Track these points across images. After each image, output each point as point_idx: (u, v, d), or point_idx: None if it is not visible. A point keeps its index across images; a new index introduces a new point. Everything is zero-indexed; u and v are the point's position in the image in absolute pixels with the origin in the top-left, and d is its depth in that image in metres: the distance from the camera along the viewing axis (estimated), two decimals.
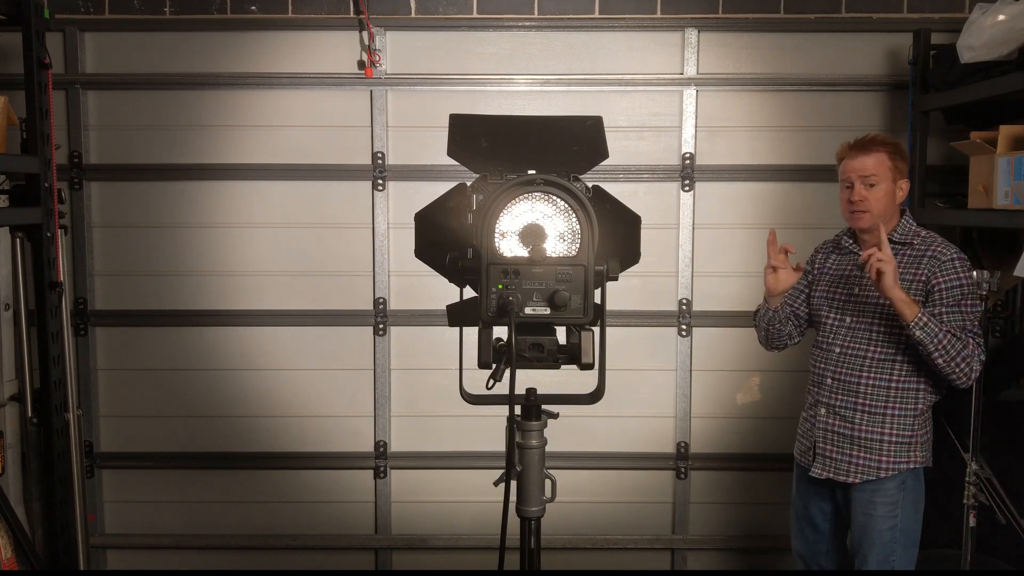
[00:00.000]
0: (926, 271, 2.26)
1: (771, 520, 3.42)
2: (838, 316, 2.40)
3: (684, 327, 3.33)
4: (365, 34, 3.22)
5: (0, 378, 2.95)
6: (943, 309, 2.23)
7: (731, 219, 3.31)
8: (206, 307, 3.33)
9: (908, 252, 2.30)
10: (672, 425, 3.39)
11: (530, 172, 1.60)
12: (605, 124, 1.60)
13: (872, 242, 2.27)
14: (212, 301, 3.33)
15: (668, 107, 3.29)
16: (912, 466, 2.32)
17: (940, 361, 2.19)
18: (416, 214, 1.71)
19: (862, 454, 2.32)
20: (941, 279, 2.24)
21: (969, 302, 2.25)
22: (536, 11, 3.23)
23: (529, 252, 1.53)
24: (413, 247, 1.72)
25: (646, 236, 1.69)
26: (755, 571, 3.48)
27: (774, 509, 3.42)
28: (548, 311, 1.55)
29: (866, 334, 2.33)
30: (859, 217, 2.29)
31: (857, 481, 2.33)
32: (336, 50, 3.27)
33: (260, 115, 3.29)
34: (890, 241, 2.23)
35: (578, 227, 1.55)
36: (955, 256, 2.26)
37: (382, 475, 3.37)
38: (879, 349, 2.32)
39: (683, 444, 3.38)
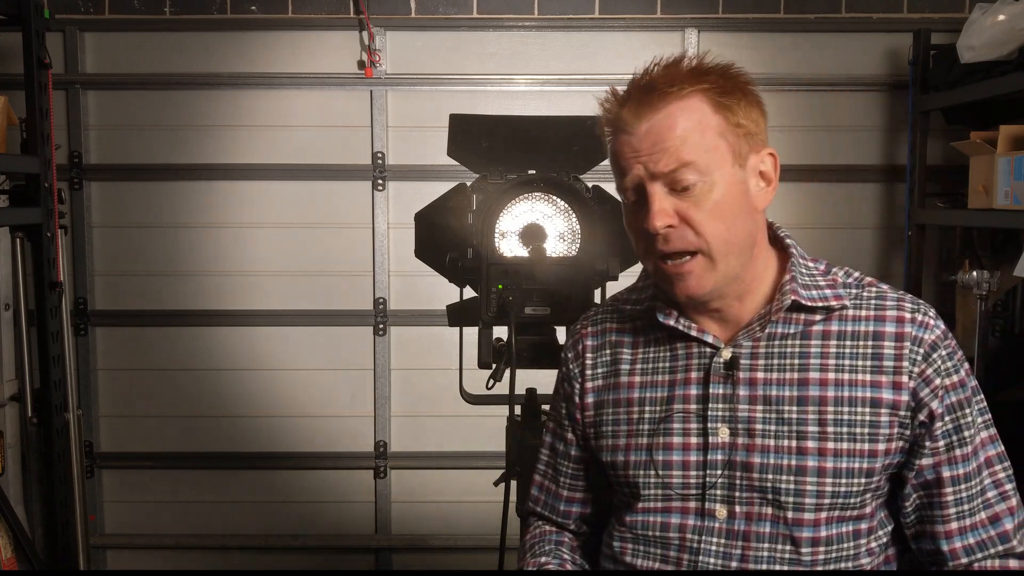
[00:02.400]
0: (892, 373, 1.12)
1: None
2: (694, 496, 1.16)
3: None
4: (365, 34, 3.22)
5: (0, 378, 2.95)
6: (962, 452, 1.13)
7: None
8: (206, 307, 3.32)
9: (838, 330, 1.15)
10: None
11: (530, 172, 1.60)
12: None
13: (739, 317, 1.17)
14: (212, 301, 3.33)
15: None
16: None
17: None
18: (416, 214, 1.71)
19: None
20: (942, 383, 1.12)
21: (981, 407, 1.18)
22: (536, 11, 3.23)
23: (529, 252, 1.54)
24: (413, 247, 1.72)
25: None
26: (754, 571, 3.47)
27: None
28: (548, 311, 1.55)
29: (768, 529, 1.13)
30: (683, 272, 1.11)
31: None
32: (336, 50, 3.27)
33: (260, 115, 3.28)
34: (784, 318, 1.15)
35: (578, 227, 1.55)
36: (933, 320, 1.15)
37: (382, 475, 3.37)
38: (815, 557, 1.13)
39: None
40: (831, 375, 1.13)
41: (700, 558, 1.14)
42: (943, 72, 2.90)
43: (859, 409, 1.11)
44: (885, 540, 1.20)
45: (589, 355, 1.26)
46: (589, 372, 1.25)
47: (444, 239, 1.66)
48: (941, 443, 1.13)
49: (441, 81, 3.26)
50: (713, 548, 1.14)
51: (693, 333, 1.17)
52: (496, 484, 1.63)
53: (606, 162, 1.69)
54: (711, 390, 1.14)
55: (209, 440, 3.37)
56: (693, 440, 1.14)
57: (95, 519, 3.37)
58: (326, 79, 3.25)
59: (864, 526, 1.15)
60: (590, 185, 1.67)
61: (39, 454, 2.91)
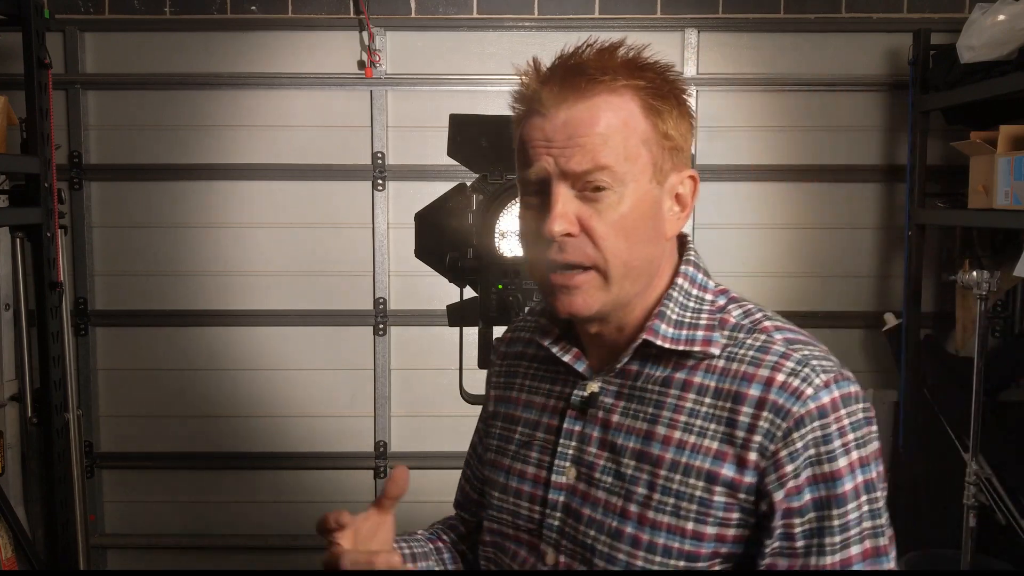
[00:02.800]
0: (742, 446, 0.91)
1: None
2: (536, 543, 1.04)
3: None
4: (365, 34, 3.22)
5: (0, 378, 2.95)
6: (818, 562, 0.90)
7: (731, 219, 3.31)
8: (206, 307, 3.32)
9: (700, 382, 0.96)
10: None
11: None
12: None
13: (616, 349, 1.01)
14: (212, 301, 3.33)
15: None
16: None
17: None
18: (416, 214, 1.72)
19: None
20: (796, 471, 0.90)
21: (870, 509, 0.91)
22: (536, 11, 3.23)
23: None
24: (413, 247, 1.72)
25: None
26: (754, 571, 3.47)
27: None
28: None
29: None
30: (570, 286, 0.96)
31: None
32: (336, 50, 3.27)
33: (260, 115, 3.28)
34: (648, 356, 0.99)
35: None
36: (817, 389, 0.91)
37: (382, 475, 3.36)
38: None
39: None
40: (677, 434, 0.94)
41: None
42: (943, 72, 2.90)
43: (692, 480, 0.92)
44: None
45: (499, 362, 1.18)
46: (494, 380, 1.17)
47: (444, 239, 1.66)
48: (777, 544, 0.91)
49: (441, 81, 3.26)
50: None
51: (566, 359, 1.03)
52: None
53: None
54: (565, 425, 1.02)
55: (209, 440, 3.37)
56: (543, 474, 1.03)
57: (95, 519, 3.37)
58: (326, 79, 3.25)
59: None
60: None
61: (39, 454, 2.90)
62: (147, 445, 3.39)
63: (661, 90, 0.95)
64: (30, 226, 2.77)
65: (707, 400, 0.94)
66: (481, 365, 1.60)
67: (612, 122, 0.92)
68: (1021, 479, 2.81)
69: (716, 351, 0.96)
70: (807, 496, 0.89)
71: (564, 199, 0.93)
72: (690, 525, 0.92)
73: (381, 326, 3.32)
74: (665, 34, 3.25)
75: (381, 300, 3.31)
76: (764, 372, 0.92)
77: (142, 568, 3.45)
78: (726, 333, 0.98)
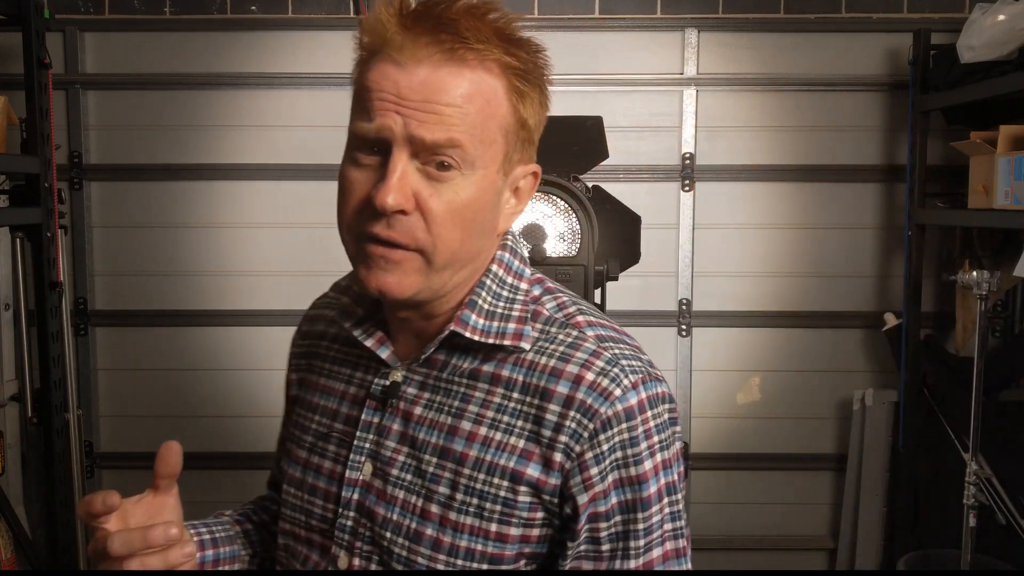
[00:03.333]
0: (548, 446, 0.86)
1: (771, 520, 3.42)
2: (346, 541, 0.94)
3: (684, 327, 3.33)
4: None
5: (0, 378, 2.95)
6: (623, 565, 0.88)
7: (731, 219, 3.31)
8: (206, 307, 3.32)
9: (508, 376, 0.89)
10: None
11: None
12: (605, 124, 1.60)
13: (425, 337, 0.93)
14: (212, 301, 3.33)
15: (668, 107, 3.28)
16: None
17: None
18: None
19: None
20: (602, 473, 0.86)
21: (672, 511, 0.91)
22: (536, 11, 3.23)
23: (529, 252, 1.53)
24: None
25: (646, 236, 1.69)
26: (755, 571, 3.48)
27: (774, 509, 3.42)
28: None
29: None
30: (382, 264, 0.86)
31: None
32: (336, 50, 3.26)
33: (260, 115, 3.28)
34: (457, 346, 0.91)
35: (578, 227, 1.55)
36: (625, 390, 0.89)
37: None
38: None
39: (683, 444, 3.37)
40: (482, 431, 0.87)
41: None
42: (943, 72, 2.90)
43: (496, 480, 0.86)
44: None
45: (300, 341, 1.09)
46: (294, 361, 1.09)
47: None
48: (583, 547, 0.87)
49: None
50: None
51: (368, 343, 0.93)
52: None
53: (606, 162, 1.70)
54: (363, 416, 0.93)
55: (209, 440, 3.37)
56: (339, 470, 0.93)
57: None
58: (326, 79, 3.25)
59: None
60: (590, 185, 1.67)
61: (39, 454, 2.91)
62: (147, 445, 3.38)
63: (531, 74, 0.88)
64: (30, 226, 2.77)
65: (515, 395, 0.88)
66: None
67: (476, 97, 0.83)
68: (1021, 479, 2.81)
69: (527, 345, 0.89)
70: (613, 500, 0.86)
71: (404, 169, 0.82)
72: (494, 527, 0.86)
73: None
74: (665, 34, 3.26)
75: None
76: (573, 369, 0.87)
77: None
78: (538, 326, 0.91)
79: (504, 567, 0.87)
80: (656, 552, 0.88)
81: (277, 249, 3.32)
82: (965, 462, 2.57)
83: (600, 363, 0.88)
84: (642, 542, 0.87)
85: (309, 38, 3.26)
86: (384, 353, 0.93)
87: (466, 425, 0.88)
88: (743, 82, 3.27)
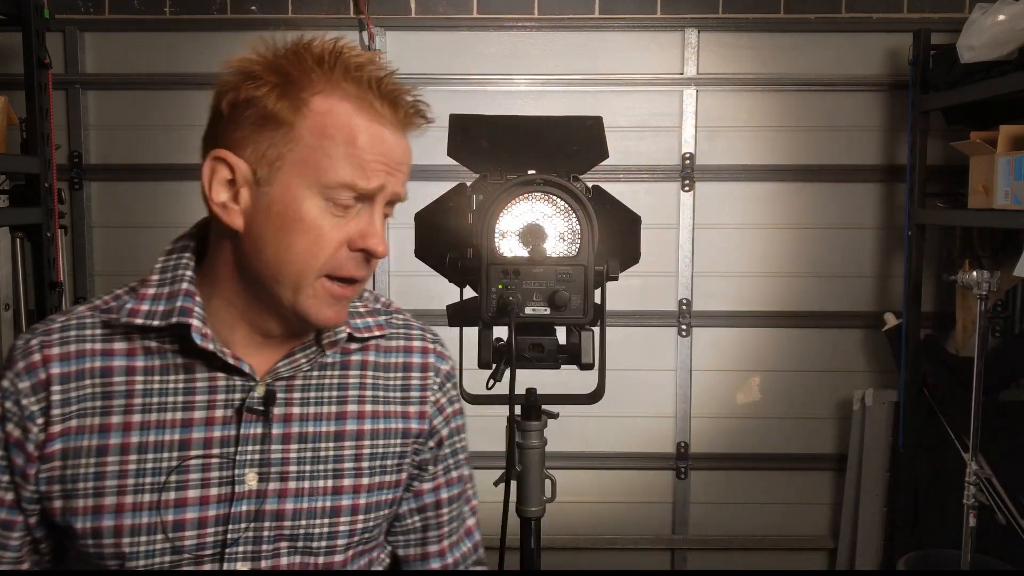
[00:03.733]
0: (418, 404, 1.09)
1: (771, 520, 3.42)
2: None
3: (684, 327, 3.33)
4: (365, 34, 3.22)
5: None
6: (457, 473, 1.16)
7: (731, 219, 3.31)
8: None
9: (374, 360, 1.09)
10: (672, 425, 3.39)
11: (530, 172, 1.60)
12: (605, 124, 1.60)
13: (284, 346, 1.02)
14: None
15: (668, 107, 3.28)
16: None
17: None
18: (416, 214, 1.71)
19: None
20: (452, 411, 1.15)
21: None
22: (536, 11, 3.23)
23: (529, 252, 1.53)
24: (413, 247, 1.71)
25: (646, 236, 1.69)
26: (755, 571, 3.48)
27: (774, 509, 3.42)
28: (548, 311, 1.55)
29: None
30: (346, 298, 0.99)
31: None
32: None
33: None
34: (314, 346, 1.03)
35: (578, 227, 1.54)
36: (446, 352, 1.18)
37: None
38: None
39: (683, 444, 3.38)
40: (368, 407, 1.04)
41: None
42: (943, 72, 2.90)
43: (392, 441, 1.05)
44: (387, 561, 1.15)
45: (58, 387, 0.94)
46: (58, 411, 0.94)
47: (444, 239, 1.66)
48: (440, 467, 1.13)
49: (441, 81, 3.26)
50: None
51: (231, 362, 0.96)
52: (496, 484, 1.62)
53: (606, 162, 1.69)
54: (243, 431, 0.96)
55: None
56: (214, 492, 0.95)
57: None
58: None
59: (376, 553, 1.10)
60: (590, 185, 1.67)
61: None
62: None
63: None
64: (30, 226, 2.77)
65: (382, 374, 1.07)
66: (481, 365, 1.60)
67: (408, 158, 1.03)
68: (1021, 479, 2.81)
69: (381, 333, 1.09)
70: (454, 423, 1.14)
71: (382, 220, 0.99)
72: (393, 477, 1.06)
73: None
74: (665, 34, 3.26)
75: None
76: (418, 344, 1.12)
77: None
78: (380, 318, 1.11)
79: (394, 508, 1.09)
80: (465, 454, 1.18)
81: None
82: (965, 462, 2.56)
83: (429, 335, 1.16)
84: (463, 455, 1.17)
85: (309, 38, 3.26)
86: (246, 367, 0.98)
87: (353, 407, 1.04)
88: (743, 82, 3.27)
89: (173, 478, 0.94)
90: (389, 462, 1.05)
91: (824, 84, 3.26)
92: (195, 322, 0.95)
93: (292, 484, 0.98)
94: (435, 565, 1.14)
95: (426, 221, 1.71)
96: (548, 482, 1.67)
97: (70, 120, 3.24)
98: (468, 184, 1.66)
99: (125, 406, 0.95)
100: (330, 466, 1.01)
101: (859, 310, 3.34)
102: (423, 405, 1.09)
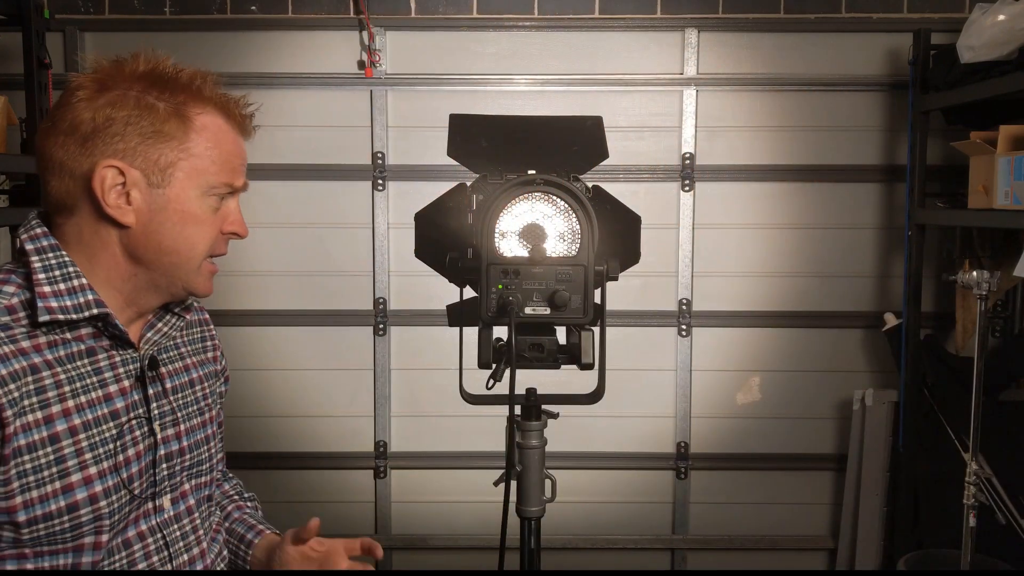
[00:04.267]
0: (212, 351, 1.38)
1: (771, 520, 3.42)
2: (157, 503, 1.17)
3: (684, 327, 3.33)
4: (365, 34, 3.22)
5: None
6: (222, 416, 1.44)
7: (731, 219, 3.31)
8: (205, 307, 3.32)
9: (188, 319, 1.30)
10: (672, 425, 3.39)
11: (530, 172, 1.60)
12: (605, 124, 1.60)
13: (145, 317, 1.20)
14: (211, 301, 3.28)
15: (668, 107, 3.28)
16: None
17: None
18: (416, 214, 1.71)
19: None
20: (222, 355, 1.44)
21: None
22: (536, 11, 3.23)
23: (529, 252, 1.53)
24: (413, 247, 1.71)
25: (646, 236, 1.69)
26: (755, 571, 3.48)
27: (774, 509, 3.42)
28: (548, 311, 1.54)
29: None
30: (212, 275, 1.24)
31: None
32: (336, 50, 3.27)
33: (260, 115, 3.24)
34: (169, 311, 1.24)
35: (578, 227, 1.54)
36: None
37: (382, 475, 3.37)
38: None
39: (683, 444, 3.38)
40: (196, 358, 1.30)
41: (172, 553, 1.18)
42: (943, 72, 2.90)
43: (213, 380, 1.34)
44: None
45: (6, 388, 1.00)
46: (10, 412, 1.00)
47: (444, 239, 1.66)
48: (221, 395, 1.43)
49: (441, 81, 3.26)
50: (176, 535, 1.19)
51: (131, 338, 1.14)
52: (496, 484, 1.62)
53: (606, 162, 1.70)
54: (150, 391, 1.16)
55: None
56: (142, 446, 1.13)
57: None
58: (326, 79, 3.25)
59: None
60: (590, 185, 1.67)
61: None
62: None
63: None
64: None
65: (195, 331, 1.34)
66: (481, 365, 1.59)
67: None
68: (1021, 479, 2.81)
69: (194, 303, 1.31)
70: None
71: (236, 206, 1.22)
72: (218, 406, 1.37)
73: (381, 326, 3.32)
74: (665, 34, 3.26)
75: (381, 300, 3.31)
76: (195, 305, 1.32)
77: None
78: None
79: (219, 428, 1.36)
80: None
81: (277, 249, 3.32)
82: (965, 462, 2.56)
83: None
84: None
85: (309, 38, 3.26)
86: (132, 337, 1.15)
87: (189, 360, 1.28)
88: (743, 82, 3.27)
89: (118, 443, 1.10)
90: (212, 399, 1.33)
91: (824, 84, 3.26)
92: (110, 311, 1.10)
93: (182, 426, 1.21)
94: (221, 466, 1.40)
95: (426, 221, 1.71)
96: (548, 482, 1.67)
97: None
98: (468, 184, 1.66)
99: (58, 395, 1.05)
100: (195, 407, 1.26)
101: (859, 310, 3.35)
102: (215, 349, 1.38)
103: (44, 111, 2.73)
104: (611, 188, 1.69)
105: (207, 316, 1.39)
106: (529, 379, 1.66)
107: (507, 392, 1.51)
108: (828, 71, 3.27)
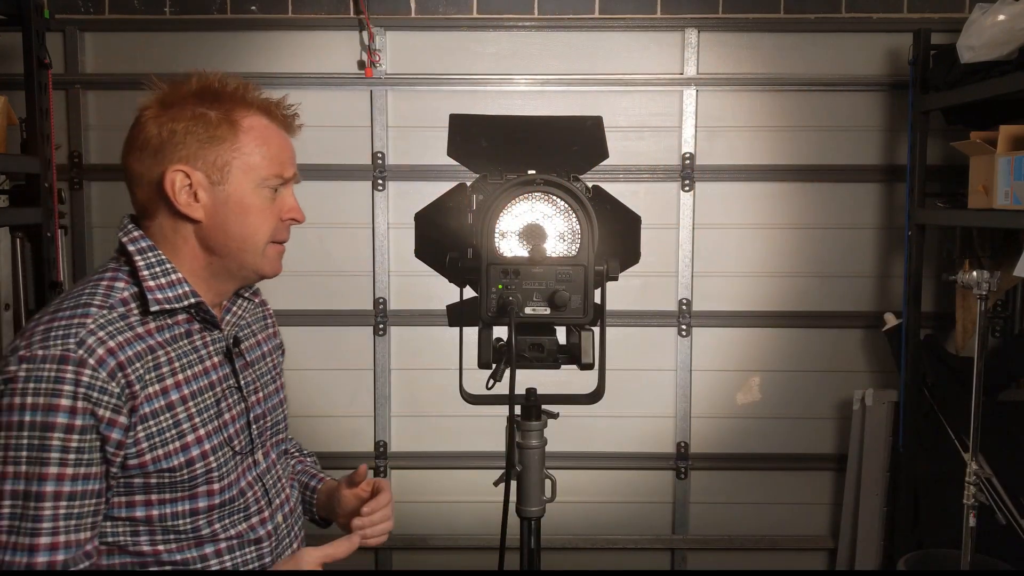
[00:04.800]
0: (272, 328, 1.57)
1: (771, 520, 3.42)
2: (250, 459, 1.38)
3: (684, 327, 3.33)
4: (365, 34, 3.22)
5: None
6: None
7: (731, 219, 3.31)
8: None
9: (251, 305, 1.47)
10: (672, 425, 3.39)
11: (530, 172, 1.60)
12: (605, 124, 1.60)
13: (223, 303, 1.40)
14: None
15: (668, 107, 3.29)
16: None
17: None
18: (416, 214, 1.71)
19: None
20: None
21: None
22: (536, 11, 3.23)
23: (529, 252, 1.53)
24: (413, 247, 1.71)
25: (646, 236, 1.69)
26: (755, 571, 3.48)
27: (774, 509, 3.42)
28: (548, 311, 1.54)
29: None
30: (280, 256, 1.38)
31: None
32: (336, 50, 3.27)
33: None
34: (241, 297, 1.44)
35: (578, 227, 1.54)
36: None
37: (382, 475, 3.36)
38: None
39: (683, 444, 3.38)
40: (263, 334, 1.50)
41: (271, 497, 1.39)
42: (943, 72, 2.90)
43: (277, 353, 1.54)
44: None
45: (129, 369, 1.19)
46: (135, 387, 1.20)
47: (444, 239, 1.66)
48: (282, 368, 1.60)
49: (441, 81, 3.26)
50: (271, 483, 1.40)
51: (217, 322, 1.36)
52: (496, 484, 1.62)
53: (606, 162, 1.70)
54: (237, 365, 1.37)
55: None
56: (237, 410, 1.35)
57: None
58: (326, 79, 3.25)
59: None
60: (590, 185, 1.67)
61: None
62: None
63: None
64: (30, 226, 2.77)
65: (255, 312, 1.50)
66: (481, 365, 1.59)
67: None
68: (1021, 479, 2.81)
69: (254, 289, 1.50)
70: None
71: (292, 194, 1.37)
72: (284, 375, 1.55)
73: (381, 326, 3.32)
74: (665, 34, 3.26)
75: (381, 300, 3.31)
76: (258, 291, 1.52)
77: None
78: None
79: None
80: None
81: None
82: (965, 462, 2.56)
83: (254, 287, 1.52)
84: None
85: (309, 38, 3.26)
86: (219, 324, 1.36)
87: (259, 336, 1.49)
88: (743, 82, 3.27)
89: (216, 409, 1.31)
90: (279, 368, 1.53)
91: (824, 84, 3.26)
92: (203, 299, 1.31)
93: (261, 393, 1.42)
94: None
95: (426, 221, 1.71)
96: (548, 482, 1.67)
97: (70, 120, 3.24)
98: (468, 184, 1.66)
99: (171, 370, 1.26)
100: (269, 376, 1.46)
101: (859, 310, 3.35)
102: (275, 326, 1.57)
103: (44, 111, 2.73)
104: (611, 188, 1.69)
105: (265, 300, 1.58)
106: (529, 379, 1.67)
107: (507, 392, 1.51)
108: (828, 71, 3.27)
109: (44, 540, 1.15)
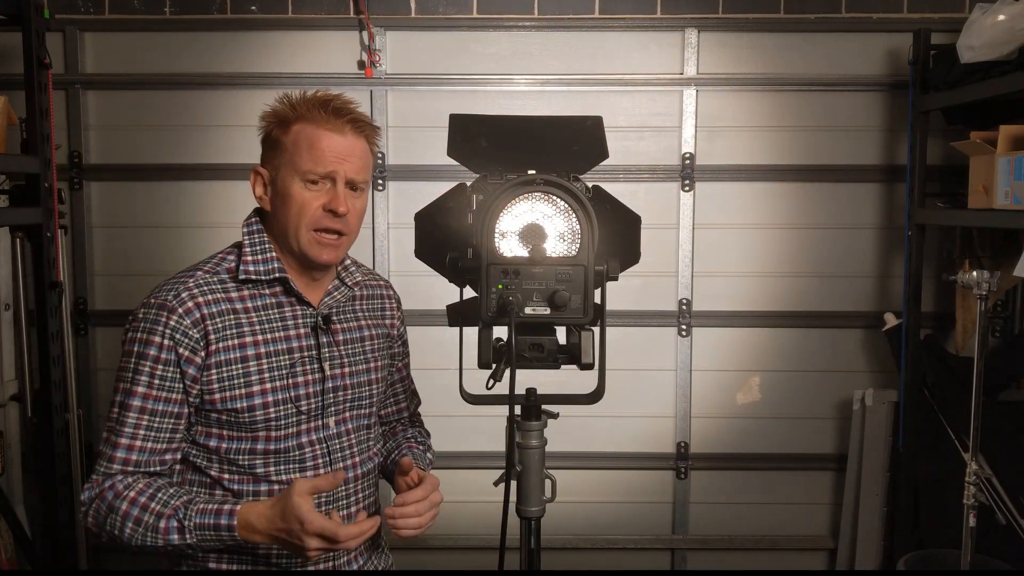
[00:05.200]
0: (390, 320, 1.79)
1: (771, 520, 3.42)
2: (330, 420, 1.62)
3: (684, 327, 3.33)
4: (365, 34, 3.22)
5: (0, 378, 2.95)
6: (406, 371, 1.92)
7: (731, 219, 3.31)
8: None
9: (367, 295, 1.76)
10: (672, 425, 3.39)
11: (530, 172, 1.60)
12: (605, 124, 1.60)
13: (323, 284, 1.65)
14: None
15: (668, 107, 3.29)
16: None
17: None
18: (416, 214, 1.71)
19: None
20: (403, 326, 1.86)
21: None
22: (536, 11, 3.23)
23: (529, 252, 1.53)
24: (413, 247, 1.71)
25: (646, 236, 1.69)
26: (755, 571, 3.48)
27: (774, 509, 3.42)
28: (548, 311, 1.54)
29: (364, 435, 1.69)
30: (332, 244, 1.57)
31: None
32: (336, 50, 3.27)
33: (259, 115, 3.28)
34: (343, 284, 1.69)
35: (578, 227, 1.54)
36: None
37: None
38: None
39: (683, 444, 3.38)
40: (368, 322, 1.70)
41: (333, 460, 1.59)
42: (943, 72, 2.90)
43: (382, 342, 1.72)
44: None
45: (209, 322, 1.51)
46: (212, 336, 1.50)
47: (444, 239, 1.66)
48: (401, 358, 1.88)
49: (441, 81, 3.26)
50: (336, 447, 1.60)
51: (307, 297, 1.59)
52: (496, 484, 1.62)
53: (606, 162, 1.70)
54: (322, 340, 1.59)
55: None
56: (311, 377, 1.57)
57: None
58: (326, 79, 3.25)
59: (377, 408, 1.75)
60: (590, 185, 1.67)
61: (39, 454, 2.91)
62: None
63: (374, 139, 1.62)
64: (30, 226, 2.77)
65: (367, 303, 1.73)
66: (481, 365, 1.59)
67: (366, 154, 1.59)
68: (1021, 479, 2.81)
69: (362, 277, 1.74)
70: (405, 329, 1.88)
71: (345, 190, 1.55)
72: (384, 361, 1.74)
73: None
74: (665, 34, 3.26)
75: None
76: (383, 283, 1.83)
77: (143, 568, 3.45)
78: (360, 276, 1.73)
79: (385, 379, 1.75)
80: (408, 351, 1.92)
81: None
82: (965, 462, 2.56)
83: (384, 281, 1.84)
84: (408, 349, 1.90)
85: (309, 38, 3.26)
86: (312, 300, 1.61)
87: (363, 322, 1.69)
88: (743, 82, 3.27)
89: (290, 371, 1.54)
90: (381, 353, 1.71)
91: (824, 84, 3.26)
92: (290, 275, 1.57)
93: (347, 369, 1.62)
94: (405, 415, 1.91)
95: (426, 221, 1.71)
96: (548, 482, 1.67)
97: (70, 120, 3.25)
98: (468, 184, 1.66)
99: (251, 330, 1.53)
100: (362, 356, 1.66)
101: (859, 310, 3.35)
102: (393, 319, 1.78)
103: (44, 111, 2.73)
104: (611, 188, 1.69)
105: (395, 296, 1.82)
106: (529, 379, 1.66)
107: (507, 392, 1.51)
108: (828, 71, 3.27)
109: (124, 440, 1.48)
